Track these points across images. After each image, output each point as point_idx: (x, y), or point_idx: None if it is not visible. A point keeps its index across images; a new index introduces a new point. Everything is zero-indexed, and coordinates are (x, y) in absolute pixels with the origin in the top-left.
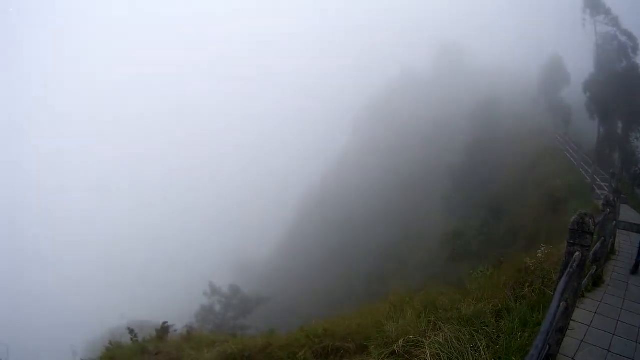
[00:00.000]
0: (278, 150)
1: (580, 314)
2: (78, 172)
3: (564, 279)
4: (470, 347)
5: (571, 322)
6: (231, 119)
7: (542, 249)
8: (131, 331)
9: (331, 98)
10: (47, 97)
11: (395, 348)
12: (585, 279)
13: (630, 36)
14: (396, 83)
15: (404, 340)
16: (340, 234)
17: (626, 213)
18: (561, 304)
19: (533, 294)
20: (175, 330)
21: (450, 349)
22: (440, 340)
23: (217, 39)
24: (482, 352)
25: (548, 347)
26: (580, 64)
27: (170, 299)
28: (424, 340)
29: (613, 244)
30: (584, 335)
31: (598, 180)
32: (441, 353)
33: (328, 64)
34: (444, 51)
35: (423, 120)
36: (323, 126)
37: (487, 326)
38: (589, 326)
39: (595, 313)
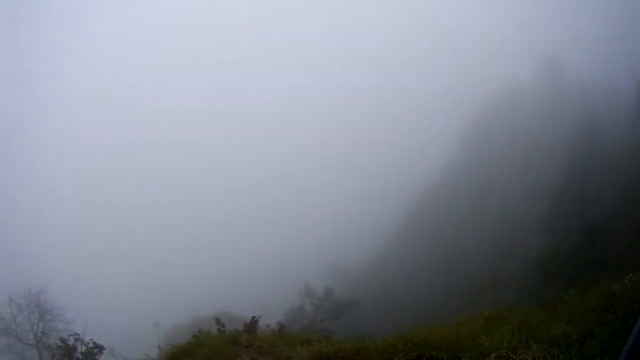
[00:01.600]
0: (377, 155)
1: None
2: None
3: None
4: None
5: None
6: (329, 117)
7: (630, 275)
8: (218, 321)
9: (428, 106)
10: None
11: None
12: None
13: None
14: (502, 97)
15: (495, 355)
16: (439, 245)
17: None
18: None
19: (616, 321)
20: (267, 326)
21: None
22: (529, 359)
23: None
24: None
25: None
26: None
27: (261, 295)
28: (515, 357)
29: None
30: None
31: None
32: None
33: (424, 69)
34: (545, 65)
35: (526, 135)
36: (424, 132)
37: (571, 348)
38: None
39: None
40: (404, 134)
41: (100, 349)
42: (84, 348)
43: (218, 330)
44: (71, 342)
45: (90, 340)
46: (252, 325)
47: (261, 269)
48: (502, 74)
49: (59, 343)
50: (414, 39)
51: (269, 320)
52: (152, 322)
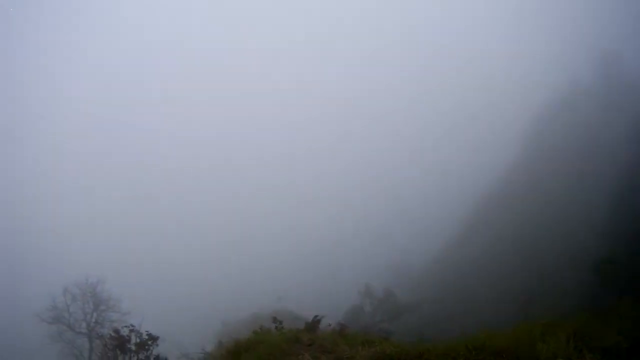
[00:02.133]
0: (441, 156)
1: None
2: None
3: None
4: None
5: None
6: (394, 118)
7: None
8: (275, 319)
9: (490, 106)
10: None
11: None
12: None
13: None
14: (562, 97)
15: None
16: (499, 248)
17: None
18: None
19: None
20: (329, 325)
21: None
22: None
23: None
24: None
25: None
26: None
27: (321, 294)
28: None
29: None
30: None
31: None
32: None
33: (484, 70)
34: (605, 65)
35: (585, 136)
36: (486, 133)
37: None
38: None
39: None
40: (467, 136)
41: (155, 340)
42: (138, 339)
43: (276, 327)
44: (125, 332)
45: (146, 331)
46: (314, 324)
47: (323, 267)
48: (561, 73)
49: (113, 333)
50: (475, 40)
51: (327, 319)
52: (212, 317)
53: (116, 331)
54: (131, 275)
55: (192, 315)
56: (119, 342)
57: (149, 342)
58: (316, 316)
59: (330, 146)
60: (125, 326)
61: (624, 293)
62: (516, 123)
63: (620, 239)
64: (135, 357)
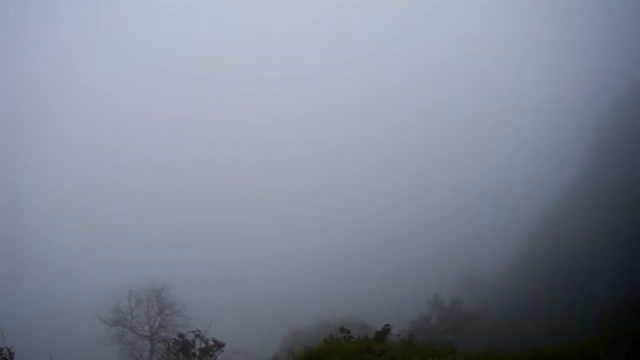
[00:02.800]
0: (513, 165)
1: None
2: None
3: None
4: None
5: None
6: (473, 127)
7: None
8: (343, 329)
9: (557, 109)
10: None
11: None
12: None
13: None
14: (628, 97)
15: None
16: (569, 259)
17: None
18: None
19: None
20: (398, 335)
21: None
22: None
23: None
24: None
25: None
26: None
27: (388, 303)
28: None
29: None
30: None
31: None
32: None
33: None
34: None
35: None
36: (555, 136)
37: None
38: None
39: None
40: (536, 140)
41: (220, 346)
42: (203, 345)
43: (344, 337)
44: (191, 337)
45: (212, 338)
46: (383, 333)
47: (390, 276)
48: (627, 73)
49: (177, 337)
50: (540, 51)
51: (394, 328)
52: (278, 325)
53: (181, 335)
54: (198, 282)
55: (258, 323)
56: (183, 346)
57: (214, 348)
58: (387, 325)
59: (399, 153)
60: (192, 331)
61: None
62: (586, 125)
63: None
64: None
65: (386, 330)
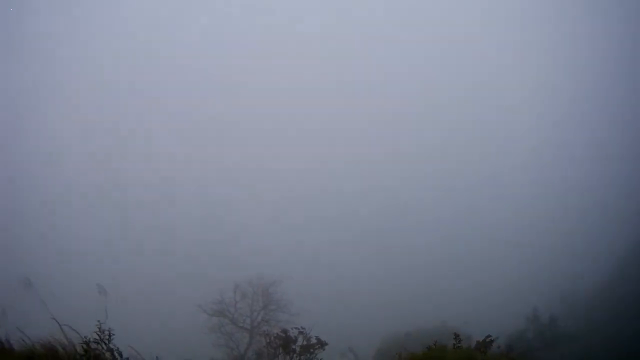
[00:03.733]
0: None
1: None
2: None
3: None
4: None
5: None
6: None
7: None
8: (457, 337)
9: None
10: None
11: None
12: None
13: None
14: None
15: None
16: None
17: None
18: None
19: None
20: (498, 347)
21: None
22: None
23: None
24: None
25: None
26: None
27: (483, 313)
28: None
29: None
30: None
31: None
32: None
33: None
34: None
35: None
36: None
37: None
38: None
39: None
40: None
41: (323, 345)
42: (305, 342)
43: (454, 345)
44: (294, 334)
45: (315, 336)
46: (485, 344)
47: (487, 286)
48: None
49: (280, 332)
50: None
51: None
52: (374, 331)
53: (284, 331)
54: (306, 279)
55: (359, 323)
56: (285, 342)
57: (316, 346)
58: (489, 336)
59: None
60: (295, 327)
61: None
62: None
63: None
64: (298, 359)
65: (489, 341)
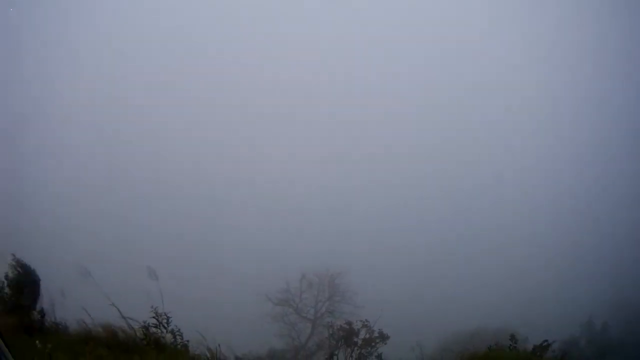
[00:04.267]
0: None
1: None
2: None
3: None
4: None
5: None
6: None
7: None
8: (513, 338)
9: None
10: None
11: None
12: None
13: None
14: None
15: None
16: None
17: None
18: None
19: None
20: (553, 351)
21: None
22: None
23: None
24: None
25: None
26: None
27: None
28: None
29: None
30: None
31: None
32: None
33: None
34: None
35: None
36: None
37: None
38: None
39: None
40: None
41: (385, 339)
42: (367, 335)
43: (509, 347)
44: (358, 326)
45: (378, 329)
46: (543, 348)
47: (542, 290)
48: None
49: (343, 324)
50: None
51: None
52: (433, 330)
53: (349, 323)
54: (374, 271)
55: (418, 318)
56: (347, 334)
57: (377, 340)
58: (545, 341)
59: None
60: (360, 320)
61: None
62: None
63: None
64: (358, 352)
65: (546, 346)
